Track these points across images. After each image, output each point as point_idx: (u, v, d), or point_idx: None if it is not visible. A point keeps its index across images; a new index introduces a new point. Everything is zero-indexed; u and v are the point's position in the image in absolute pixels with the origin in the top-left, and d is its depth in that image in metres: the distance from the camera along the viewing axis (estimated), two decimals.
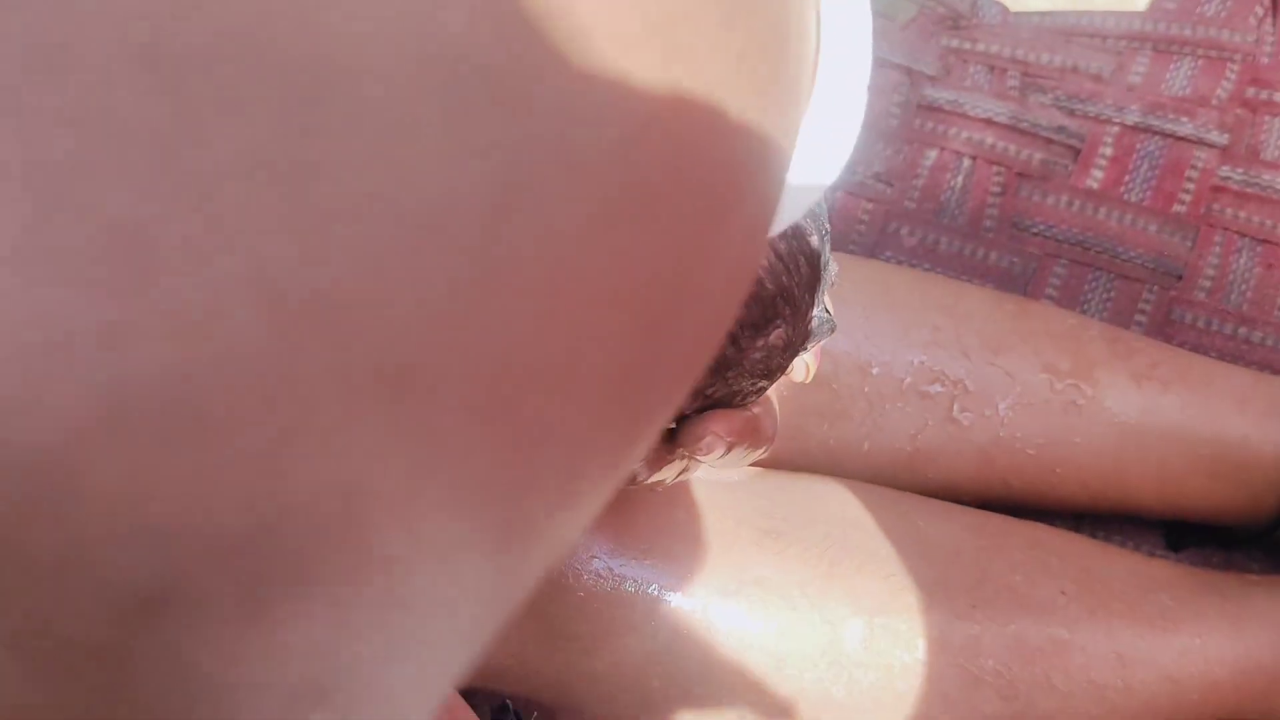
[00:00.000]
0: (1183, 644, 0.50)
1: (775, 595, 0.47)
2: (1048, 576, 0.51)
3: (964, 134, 0.74)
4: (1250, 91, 0.73)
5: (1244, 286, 0.70)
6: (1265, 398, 0.59)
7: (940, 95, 0.76)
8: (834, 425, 0.55)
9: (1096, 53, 0.76)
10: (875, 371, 0.55)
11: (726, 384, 0.36)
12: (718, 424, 0.36)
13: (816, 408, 0.55)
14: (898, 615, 0.48)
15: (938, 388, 0.56)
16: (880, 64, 0.76)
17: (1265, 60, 0.74)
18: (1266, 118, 0.73)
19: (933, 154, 0.75)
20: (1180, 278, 0.71)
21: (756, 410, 0.38)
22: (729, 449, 0.36)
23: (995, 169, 0.74)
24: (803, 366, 0.40)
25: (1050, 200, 0.73)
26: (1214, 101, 0.73)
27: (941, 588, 0.49)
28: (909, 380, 0.56)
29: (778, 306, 0.36)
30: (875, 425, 0.55)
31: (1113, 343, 0.60)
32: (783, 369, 0.38)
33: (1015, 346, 0.58)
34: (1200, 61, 0.75)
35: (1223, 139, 0.72)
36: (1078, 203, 0.73)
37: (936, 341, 0.57)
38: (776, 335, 0.36)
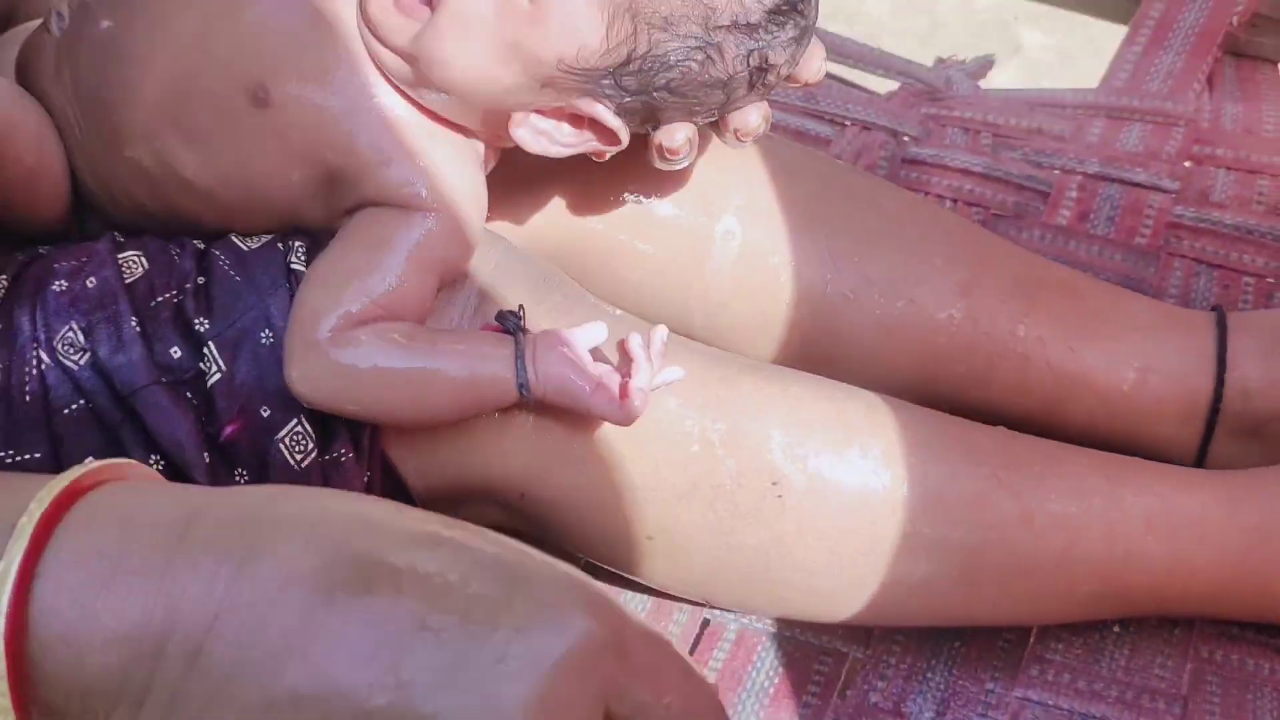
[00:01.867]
0: None
1: None
2: None
3: (945, 181, 0.83)
4: (1196, 148, 0.83)
5: (1207, 304, 0.77)
6: (1178, 311, 0.68)
7: (922, 152, 0.85)
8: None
9: (1057, 119, 0.85)
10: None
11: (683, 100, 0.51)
12: (685, 130, 0.52)
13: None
14: None
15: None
16: (868, 127, 0.86)
17: (1206, 124, 0.84)
18: (1212, 169, 0.82)
19: (919, 198, 0.83)
20: (1148, 296, 0.77)
21: None
22: (690, 150, 0.52)
23: (974, 209, 0.82)
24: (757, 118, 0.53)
25: (1025, 235, 0.80)
26: (1164, 156, 0.83)
27: None
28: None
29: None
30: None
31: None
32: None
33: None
34: (1149, 126, 0.85)
35: (1174, 185, 0.81)
36: (1050, 236, 0.80)
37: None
38: (755, 57, 0.50)
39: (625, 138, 0.51)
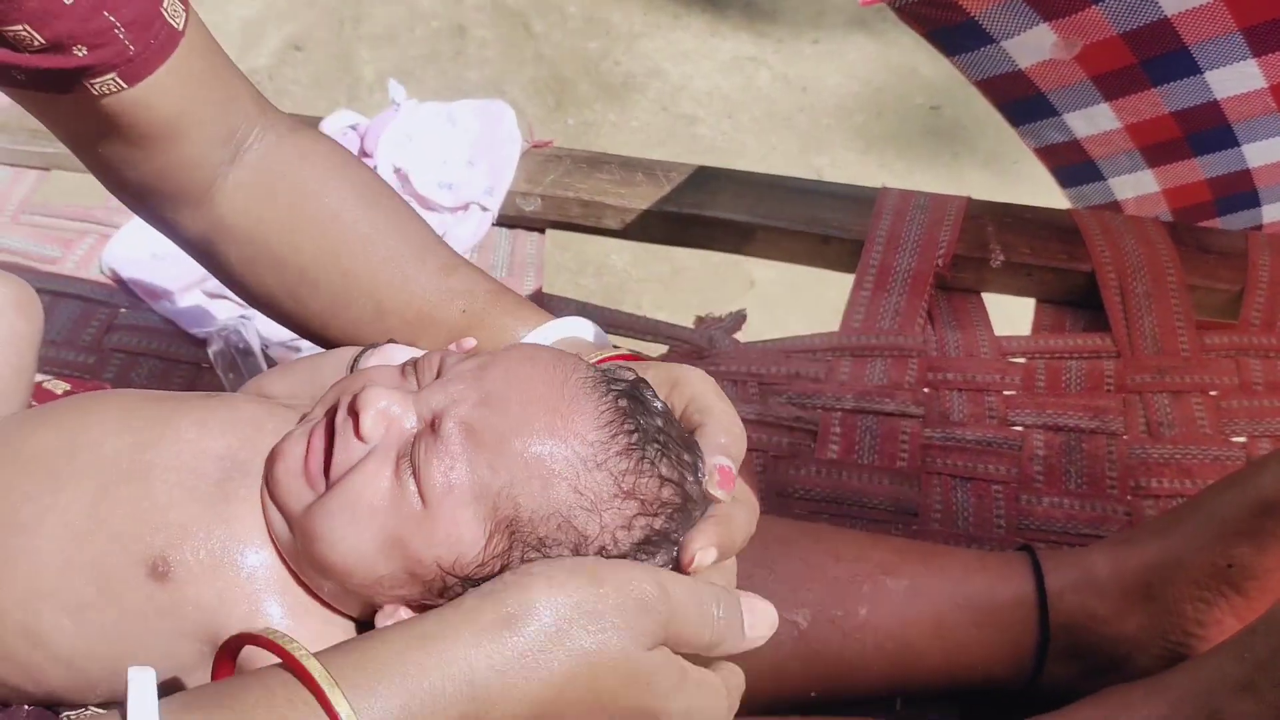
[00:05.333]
0: None
1: None
2: None
3: None
4: (930, 375, 0.95)
5: (967, 514, 0.87)
6: (992, 560, 0.74)
7: None
8: None
9: (811, 362, 0.96)
10: None
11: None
12: None
13: None
14: None
15: None
16: None
17: (934, 354, 0.97)
18: (946, 392, 0.94)
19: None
20: (915, 514, 0.87)
21: None
22: None
23: (755, 454, 0.90)
24: None
25: (803, 472, 0.89)
26: (905, 385, 0.94)
27: None
28: None
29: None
30: None
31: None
32: None
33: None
34: (889, 360, 0.96)
35: (919, 411, 0.92)
36: (825, 470, 0.89)
37: None
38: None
39: None
